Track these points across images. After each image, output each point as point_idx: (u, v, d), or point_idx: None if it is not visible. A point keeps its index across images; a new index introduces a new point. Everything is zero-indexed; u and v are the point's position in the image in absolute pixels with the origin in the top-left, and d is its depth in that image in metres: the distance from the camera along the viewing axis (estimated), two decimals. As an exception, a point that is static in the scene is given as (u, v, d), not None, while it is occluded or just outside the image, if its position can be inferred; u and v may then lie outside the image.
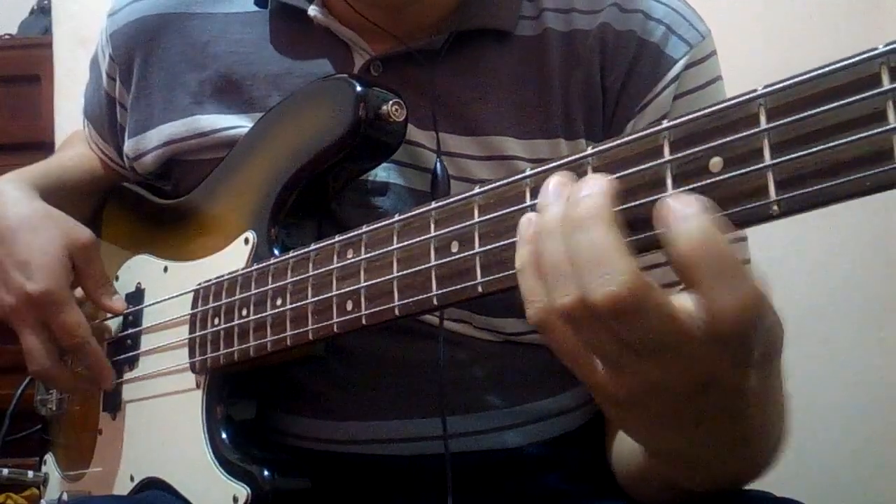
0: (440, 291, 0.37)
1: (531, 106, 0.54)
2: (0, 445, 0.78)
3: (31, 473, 0.73)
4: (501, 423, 0.54)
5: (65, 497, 0.65)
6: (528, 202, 0.34)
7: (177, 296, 0.57)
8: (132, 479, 0.59)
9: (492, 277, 0.35)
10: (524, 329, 0.54)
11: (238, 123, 0.57)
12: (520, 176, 0.34)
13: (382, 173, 0.54)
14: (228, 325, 0.51)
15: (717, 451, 0.36)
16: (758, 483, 0.51)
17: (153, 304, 0.60)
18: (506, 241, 0.34)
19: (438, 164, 0.53)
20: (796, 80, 0.26)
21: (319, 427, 0.54)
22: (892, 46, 0.25)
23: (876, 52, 0.25)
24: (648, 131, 0.30)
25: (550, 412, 0.56)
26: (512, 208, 0.35)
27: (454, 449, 0.52)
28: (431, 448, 0.53)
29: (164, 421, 0.57)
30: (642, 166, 0.30)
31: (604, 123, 0.54)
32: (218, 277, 0.53)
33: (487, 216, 0.35)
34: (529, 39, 0.55)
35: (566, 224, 0.30)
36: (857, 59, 0.25)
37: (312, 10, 0.56)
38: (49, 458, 0.72)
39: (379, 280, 0.41)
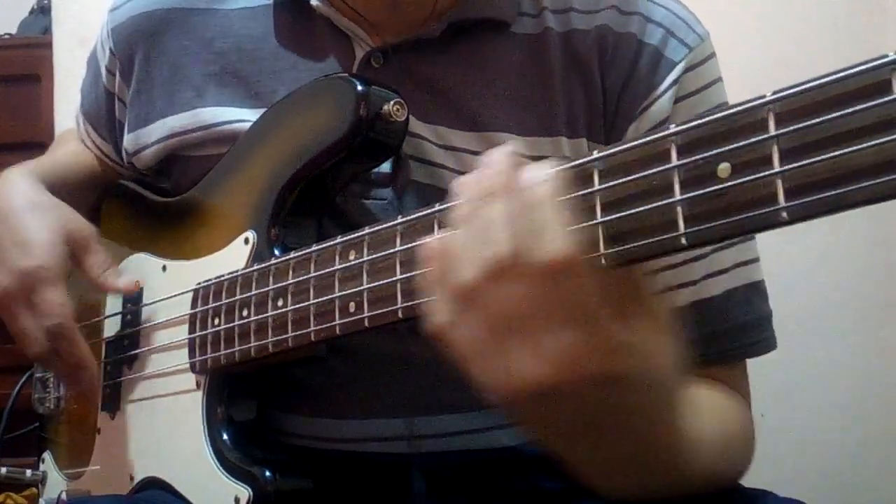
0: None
1: (533, 103, 0.54)
2: (-2, 445, 0.78)
3: (29, 472, 0.73)
4: (496, 422, 0.54)
5: (63, 496, 0.64)
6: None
7: (176, 295, 0.57)
8: (132, 478, 0.59)
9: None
10: None
11: (242, 117, 0.57)
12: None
13: (385, 165, 0.54)
14: (229, 325, 0.51)
15: (610, 459, 0.39)
16: (757, 482, 0.52)
17: (152, 303, 0.60)
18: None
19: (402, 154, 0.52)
20: (805, 86, 0.26)
21: (320, 426, 0.54)
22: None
23: (887, 59, 0.25)
24: (657, 136, 0.30)
25: None
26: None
27: (449, 448, 0.52)
28: (432, 446, 0.53)
29: (164, 421, 0.57)
30: (650, 171, 0.29)
31: (605, 126, 0.54)
32: (218, 277, 0.53)
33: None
34: (530, 37, 0.55)
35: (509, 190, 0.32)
36: (868, 66, 0.25)
37: (315, 0, 0.56)
38: (47, 456, 0.72)
39: (382, 283, 0.41)
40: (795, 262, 0.98)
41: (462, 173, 0.54)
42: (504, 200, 0.32)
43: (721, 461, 0.47)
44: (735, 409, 0.52)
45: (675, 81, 0.53)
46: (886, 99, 0.24)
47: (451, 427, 0.53)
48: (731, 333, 0.53)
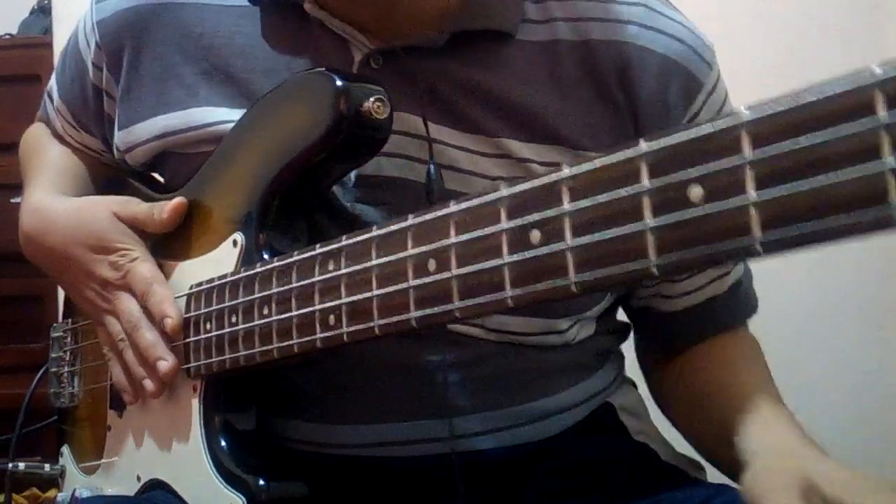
0: (418, 314, 0.36)
1: (537, 110, 0.52)
2: (15, 441, 0.78)
3: (48, 466, 0.73)
4: (501, 424, 0.54)
5: (77, 493, 0.65)
6: (504, 223, 0.32)
7: (175, 298, 0.57)
8: (139, 478, 0.59)
9: (470, 303, 0.33)
10: (528, 330, 0.53)
11: (234, 117, 0.55)
12: (495, 195, 0.33)
13: (375, 164, 0.52)
14: (220, 332, 0.50)
15: None
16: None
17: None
18: (480, 266, 0.33)
19: (432, 166, 0.51)
20: (783, 106, 0.24)
21: (319, 431, 0.54)
22: (890, 73, 0.21)
23: (871, 75, 0.22)
24: (626, 155, 0.28)
25: (550, 411, 0.55)
26: (486, 229, 0.33)
27: (455, 450, 0.51)
28: (433, 449, 0.52)
29: (164, 424, 0.57)
30: (620, 193, 0.28)
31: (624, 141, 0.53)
32: (209, 281, 0.52)
33: (463, 237, 0.34)
34: (538, 45, 0.53)
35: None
36: (850, 86, 0.22)
37: (308, 4, 0.54)
38: (65, 450, 0.72)
39: (359, 297, 0.40)
40: (795, 263, 0.97)
41: (457, 171, 0.53)
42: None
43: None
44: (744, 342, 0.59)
45: (705, 102, 0.54)
46: (871, 126, 0.22)
47: (454, 431, 0.52)
48: (735, 311, 0.60)
